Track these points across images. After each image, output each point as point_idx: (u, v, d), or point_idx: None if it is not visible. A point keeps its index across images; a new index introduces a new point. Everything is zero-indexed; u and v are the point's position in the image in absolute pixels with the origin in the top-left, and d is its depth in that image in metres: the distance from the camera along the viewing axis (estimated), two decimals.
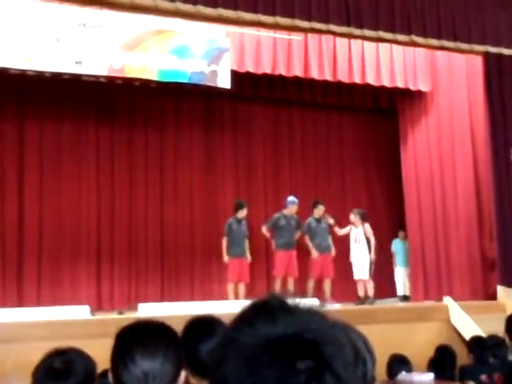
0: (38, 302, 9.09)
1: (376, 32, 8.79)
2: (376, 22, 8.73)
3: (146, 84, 9.29)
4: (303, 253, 9.65)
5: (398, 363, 5.08)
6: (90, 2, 7.86)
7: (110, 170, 10.13)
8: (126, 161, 10.21)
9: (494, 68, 9.50)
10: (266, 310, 0.86)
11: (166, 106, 10.54)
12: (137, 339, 1.80)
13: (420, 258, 10.03)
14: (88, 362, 2.28)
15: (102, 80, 9.12)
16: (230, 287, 9.20)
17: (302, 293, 8.93)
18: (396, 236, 10.90)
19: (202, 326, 2.32)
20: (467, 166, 9.72)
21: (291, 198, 9.64)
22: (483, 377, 5.22)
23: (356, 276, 9.68)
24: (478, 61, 9.61)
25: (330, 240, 9.68)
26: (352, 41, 9.18)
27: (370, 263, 9.56)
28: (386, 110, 11.08)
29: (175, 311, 6.99)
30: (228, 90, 8.78)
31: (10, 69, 8.11)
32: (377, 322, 7.57)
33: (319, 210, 9.67)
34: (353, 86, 9.91)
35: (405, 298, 10.42)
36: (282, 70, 8.97)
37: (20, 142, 9.68)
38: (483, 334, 6.54)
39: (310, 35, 8.94)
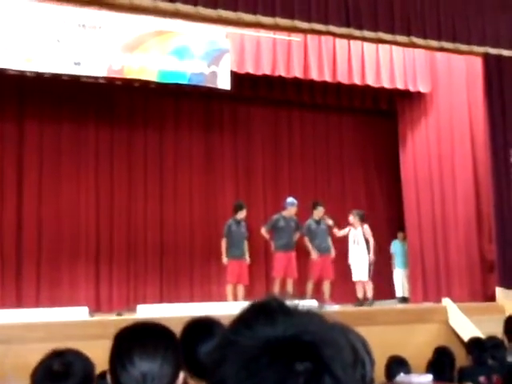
0: (37, 303, 9.07)
1: (376, 33, 8.81)
2: (376, 23, 8.75)
3: (145, 85, 9.27)
4: (302, 254, 9.64)
5: (397, 365, 5.07)
6: (88, 3, 7.86)
7: (110, 171, 10.11)
8: (125, 162, 10.19)
9: (493, 69, 9.50)
10: (265, 311, 0.86)
11: (166, 107, 10.54)
12: (135, 340, 1.79)
13: (419, 259, 10.02)
14: (86, 363, 2.28)
15: (102, 81, 9.11)
16: (229, 289, 9.19)
17: (301, 294, 8.92)
18: (395, 237, 10.89)
19: (201, 327, 2.31)
20: (466, 168, 9.73)
21: (290, 200, 9.63)
22: (482, 378, 5.21)
23: (355, 277, 9.66)
24: (478, 62, 9.62)
25: (329, 241, 9.67)
26: (352, 42, 9.18)
27: (369, 264, 9.54)
28: (385, 111, 11.07)
29: (174, 312, 6.97)
30: (228, 91, 8.77)
31: (9, 69, 8.11)
32: (375, 324, 7.58)
33: (319, 212, 9.65)
34: (352, 87, 9.90)
35: (404, 300, 10.40)
36: (281, 71, 8.96)
37: (19, 143, 9.67)
38: (482, 336, 6.54)
39: (309, 36, 8.94)
